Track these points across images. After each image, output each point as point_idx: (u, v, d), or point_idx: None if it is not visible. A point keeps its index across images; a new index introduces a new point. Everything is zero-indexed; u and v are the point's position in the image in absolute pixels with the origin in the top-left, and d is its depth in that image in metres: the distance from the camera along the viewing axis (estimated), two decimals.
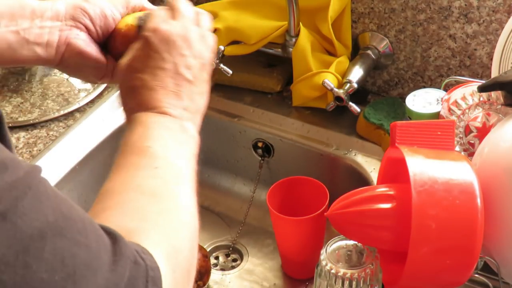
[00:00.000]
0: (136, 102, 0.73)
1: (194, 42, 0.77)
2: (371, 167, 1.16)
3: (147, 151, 0.68)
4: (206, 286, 1.09)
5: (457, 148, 0.98)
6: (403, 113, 1.13)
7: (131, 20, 0.81)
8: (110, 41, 0.82)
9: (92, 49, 0.80)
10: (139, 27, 0.78)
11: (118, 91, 0.78)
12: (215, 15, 1.28)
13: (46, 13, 0.79)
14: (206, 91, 0.77)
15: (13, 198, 0.47)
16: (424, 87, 1.24)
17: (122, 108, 0.76)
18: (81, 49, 0.80)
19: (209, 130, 1.30)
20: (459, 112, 0.99)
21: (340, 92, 1.18)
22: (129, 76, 0.75)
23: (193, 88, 0.75)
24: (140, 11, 0.83)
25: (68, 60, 0.80)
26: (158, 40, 0.75)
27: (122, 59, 0.77)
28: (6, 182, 0.47)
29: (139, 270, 0.54)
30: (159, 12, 0.78)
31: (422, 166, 0.82)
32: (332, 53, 1.26)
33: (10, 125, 1.24)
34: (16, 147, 1.18)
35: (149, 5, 0.84)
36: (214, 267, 1.17)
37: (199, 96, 0.76)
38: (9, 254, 0.46)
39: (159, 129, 0.71)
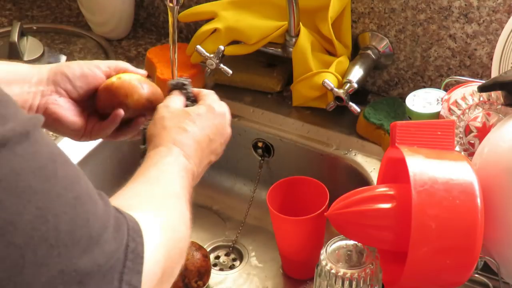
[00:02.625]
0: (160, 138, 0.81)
1: (226, 137, 0.88)
2: (371, 167, 1.16)
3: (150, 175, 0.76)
4: (206, 286, 1.09)
5: (457, 148, 0.98)
6: (403, 113, 1.13)
7: (115, 79, 0.87)
8: (96, 98, 0.88)
9: (69, 114, 0.86)
10: (172, 89, 0.89)
11: None
12: (215, 15, 1.28)
13: (33, 78, 0.85)
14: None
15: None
16: (424, 87, 1.24)
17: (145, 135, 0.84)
18: (57, 115, 0.85)
19: None
20: (459, 112, 0.99)
21: (340, 92, 1.18)
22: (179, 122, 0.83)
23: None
24: (123, 73, 0.89)
25: (46, 123, 0.84)
26: (216, 121, 0.87)
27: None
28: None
29: (120, 219, 0.59)
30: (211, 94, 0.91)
31: (422, 166, 0.82)
32: (332, 53, 1.26)
33: None
34: None
35: (133, 69, 0.91)
36: (214, 267, 1.17)
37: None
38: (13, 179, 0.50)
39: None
